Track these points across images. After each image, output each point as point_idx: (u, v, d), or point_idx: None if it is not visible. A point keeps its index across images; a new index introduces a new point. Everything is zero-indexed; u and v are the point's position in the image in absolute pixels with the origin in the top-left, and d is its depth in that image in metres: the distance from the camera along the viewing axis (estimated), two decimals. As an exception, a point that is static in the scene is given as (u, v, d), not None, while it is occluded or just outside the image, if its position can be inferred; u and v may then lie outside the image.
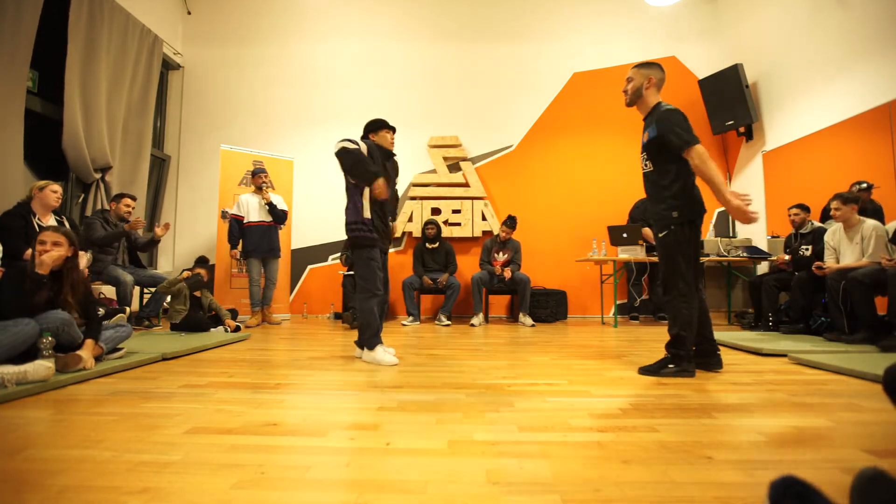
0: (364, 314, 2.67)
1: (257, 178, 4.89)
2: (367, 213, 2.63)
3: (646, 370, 2.35)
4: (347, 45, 6.18)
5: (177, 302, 3.85)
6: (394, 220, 2.88)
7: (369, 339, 2.65)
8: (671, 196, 2.31)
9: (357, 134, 2.85)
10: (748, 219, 2.12)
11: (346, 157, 2.53)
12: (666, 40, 6.11)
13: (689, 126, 2.25)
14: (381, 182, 2.49)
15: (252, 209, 4.86)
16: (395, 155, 2.87)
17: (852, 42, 4.28)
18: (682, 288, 2.31)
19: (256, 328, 4.58)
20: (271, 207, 4.84)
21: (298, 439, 1.38)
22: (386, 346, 2.76)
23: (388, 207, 2.74)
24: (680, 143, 2.23)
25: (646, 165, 2.44)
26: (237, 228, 4.84)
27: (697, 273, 2.37)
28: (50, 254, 2.19)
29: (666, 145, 2.29)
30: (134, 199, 4.30)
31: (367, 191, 2.63)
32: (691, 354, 2.32)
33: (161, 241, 4.54)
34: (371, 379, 2.24)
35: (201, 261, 4.29)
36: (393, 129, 2.83)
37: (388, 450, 1.29)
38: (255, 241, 4.81)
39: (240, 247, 4.86)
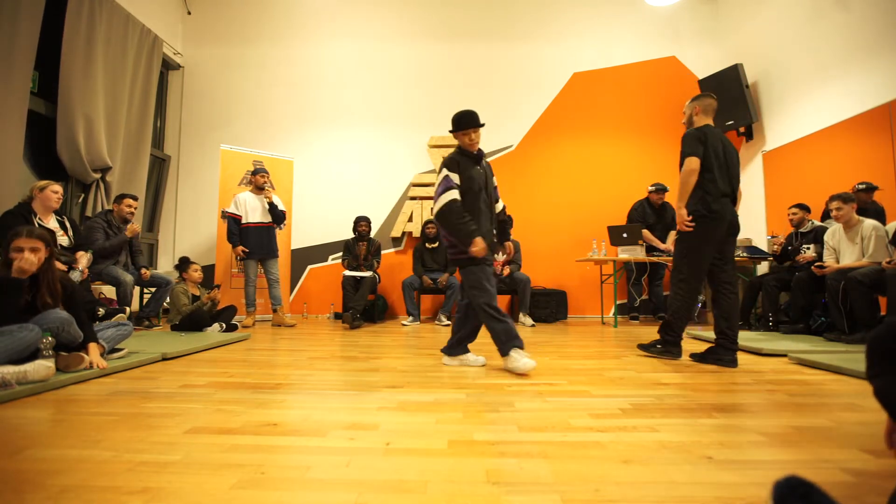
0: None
1: (259, 177, 4.77)
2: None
3: (642, 346, 2.96)
4: (348, 46, 6.18)
5: (175, 308, 3.92)
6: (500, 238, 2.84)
7: (506, 344, 2.49)
8: (692, 200, 2.69)
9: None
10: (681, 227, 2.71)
11: (445, 223, 2.49)
12: (666, 40, 6.11)
13: (694, 144, 2.67)
14: (479, 240, 2.46)
15: (251, 209, 4.74)
16: (484, 156, 2.68)
17: (852, 42, 4.28)
18: (682, 282, 2.75)
19: (253, 328, 4.58)
20: (272, 207, 4.74)
21: (298, 439, 1.38)
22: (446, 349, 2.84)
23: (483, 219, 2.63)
24: (682, 155, 2.73)
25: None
26: (236, 228, 4.70)
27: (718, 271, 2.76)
28: (29, 258, 2.11)
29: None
30: (135, 199, 4.28)
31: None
32: (679, 339, 2.81)
33: (141, 240, 4.46)
34: (371, 379, 2.24)
35: (184, 261, 4.26)
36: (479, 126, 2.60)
37: (388, 450, 1.29)
38: (253, 241, 4.71)
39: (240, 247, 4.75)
